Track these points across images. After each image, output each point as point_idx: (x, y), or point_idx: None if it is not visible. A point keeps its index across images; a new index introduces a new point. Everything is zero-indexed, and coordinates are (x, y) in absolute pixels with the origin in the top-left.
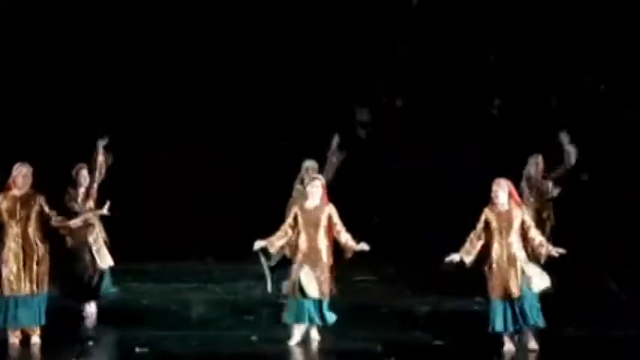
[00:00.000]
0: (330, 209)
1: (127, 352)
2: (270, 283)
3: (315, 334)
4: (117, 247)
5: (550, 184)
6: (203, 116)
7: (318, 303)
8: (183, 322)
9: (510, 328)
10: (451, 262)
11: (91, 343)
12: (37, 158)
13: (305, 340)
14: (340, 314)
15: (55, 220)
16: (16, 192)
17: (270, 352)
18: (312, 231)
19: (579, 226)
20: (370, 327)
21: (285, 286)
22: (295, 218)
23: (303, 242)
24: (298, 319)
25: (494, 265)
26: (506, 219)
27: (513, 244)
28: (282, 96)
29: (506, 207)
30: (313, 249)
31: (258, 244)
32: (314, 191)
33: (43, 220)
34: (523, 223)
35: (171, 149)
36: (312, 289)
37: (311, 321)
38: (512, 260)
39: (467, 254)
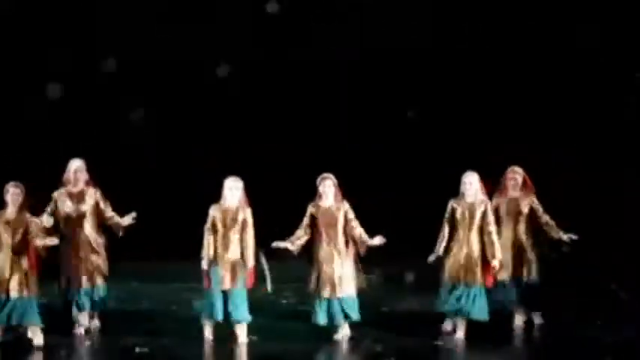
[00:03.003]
0: (345, 206)
1: (127, 352)
2: (270, 282)
3: (346, 331)
4: (117, 247)
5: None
6: (204, 117)
7: (341, 301)
8: (183, 322)
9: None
10: (433, 262)
11: (91, 343)
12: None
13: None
14: None
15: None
16: (71, 189)
17: (271, 352)
18: (331, 230)
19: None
20: (370, 327)
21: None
22: (311, 218)
23: (323, 241)
24: (331, 320)
25: (453, 252)
26: (471, 211)
27: (473, 235)
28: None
29: (472, 199)
30: (334, 247)
31: (278, 245)
32: (327, 190)
33: (100, 215)
34: (484, 214)
35: (171, 148)
36: (338, 289)
37: (339, 319)
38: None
39: (440, 246)
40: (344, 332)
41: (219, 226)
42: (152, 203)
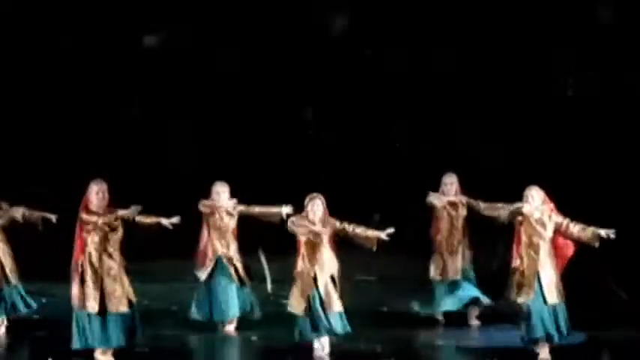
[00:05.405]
0: (330, 222)
1: (127, 352)
2: (269, 282)
3: (326, 349)
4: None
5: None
6: (206, 117)
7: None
8: (183, 322)
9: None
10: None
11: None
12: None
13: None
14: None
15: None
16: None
17: (270, 352)
18: (318, 246)
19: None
20: (370, 327)
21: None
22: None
23: (303, 259)
24: (319, 334)
25: (522, 267)
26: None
27: (541, 250)
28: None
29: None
30: (312, 267)
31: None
32: (315, 210)
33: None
34: (560, 225)
35: (171, 147)
36: (330, 304)
37: (326, 333)
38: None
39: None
40: (324, 351)
41: None
42: (152, 203)
